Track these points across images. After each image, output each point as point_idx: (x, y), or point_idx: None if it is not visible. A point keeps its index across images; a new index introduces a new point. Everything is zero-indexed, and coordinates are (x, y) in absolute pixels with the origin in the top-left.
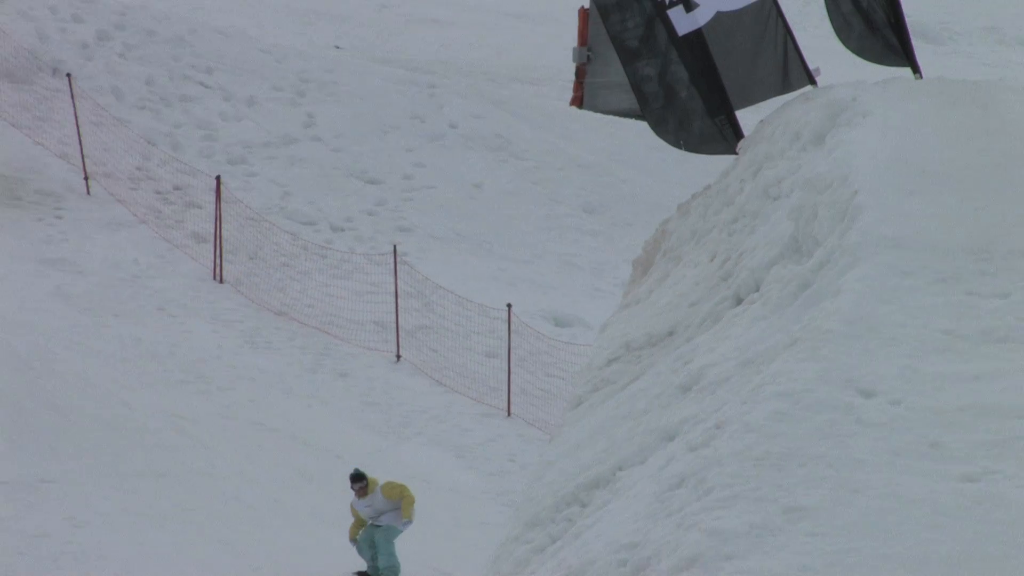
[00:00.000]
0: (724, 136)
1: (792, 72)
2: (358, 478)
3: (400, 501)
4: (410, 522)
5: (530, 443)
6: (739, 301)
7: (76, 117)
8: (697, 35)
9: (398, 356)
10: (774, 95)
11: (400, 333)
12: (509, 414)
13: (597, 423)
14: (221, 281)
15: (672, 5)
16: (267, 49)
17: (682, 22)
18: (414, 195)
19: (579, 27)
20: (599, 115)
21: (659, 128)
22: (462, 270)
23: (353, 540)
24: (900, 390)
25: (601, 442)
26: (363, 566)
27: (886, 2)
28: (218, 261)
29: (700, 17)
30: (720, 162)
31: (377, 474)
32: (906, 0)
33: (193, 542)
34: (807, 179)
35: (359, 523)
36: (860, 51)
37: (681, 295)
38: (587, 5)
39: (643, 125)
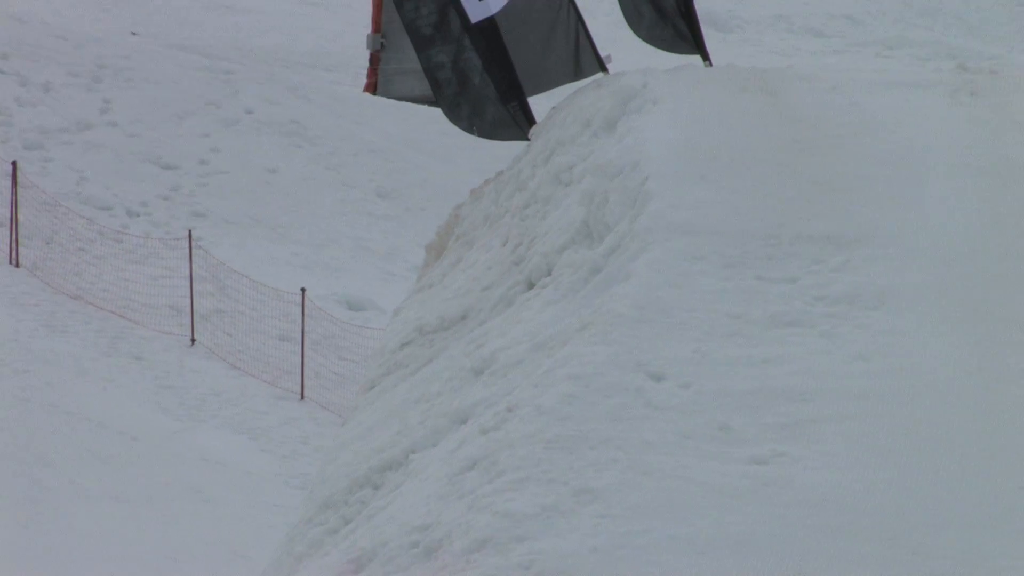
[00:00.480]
0: (517, 122)
1: (584, 59)
2: None
3: None
4: None
5: (323, 426)
6: (531, 285)
7: None
8: (490, 22)
9: (192, 340)
10: (566, 82)
11: (195, 317)
12: (303, 397)
13: (390, 406)
14: (17, 265)
15: None
16: (63, 35)
17: (475, 9)
18: (209, 180)
19: (373, 14)
20: (393, 101)
21: (452, 114)
22: (256, 255)
23: None
24: (690, 374)
25: (394, 425)
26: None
27: None
28: (14, 246)
29: (493, 5)
30: (513, 148)
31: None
32: None
33: None
34: (598, 165)
35: None
36: (650, 39)
37: (474, 279)
38: None
39: (436, 111)
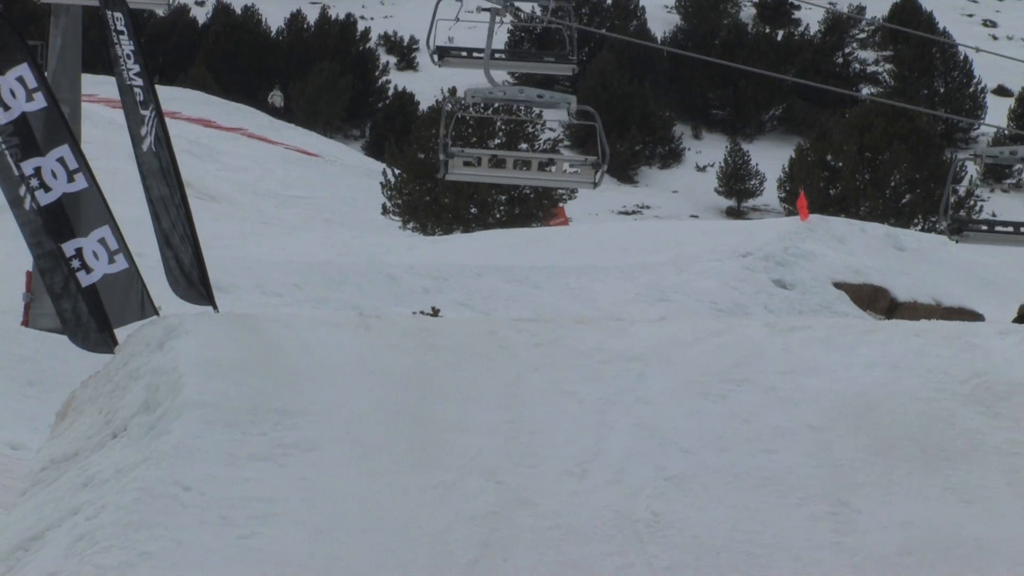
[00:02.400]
0: (106, 343)
1: (146, 305)
2: None
3: None
4: None
5: None
6: (115, 436)
7: None
8: (93, 288)
9: None
10: (138, 320)
11: None
12: None
13: (35, 503)
14: None
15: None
16: None
17: (85, 279)
18: None
19: (27, 282)
20: None
21: (74, 339)
22: None
23: None
24: (206, 486)
25: (40, 513)
26: None
27: (195, 259)
28: None
29: (97, 272)
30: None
31: None
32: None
33: None
34: (153, 368)
35: None
36: (185, 297)
37: (83, 432)
38: None
39: None
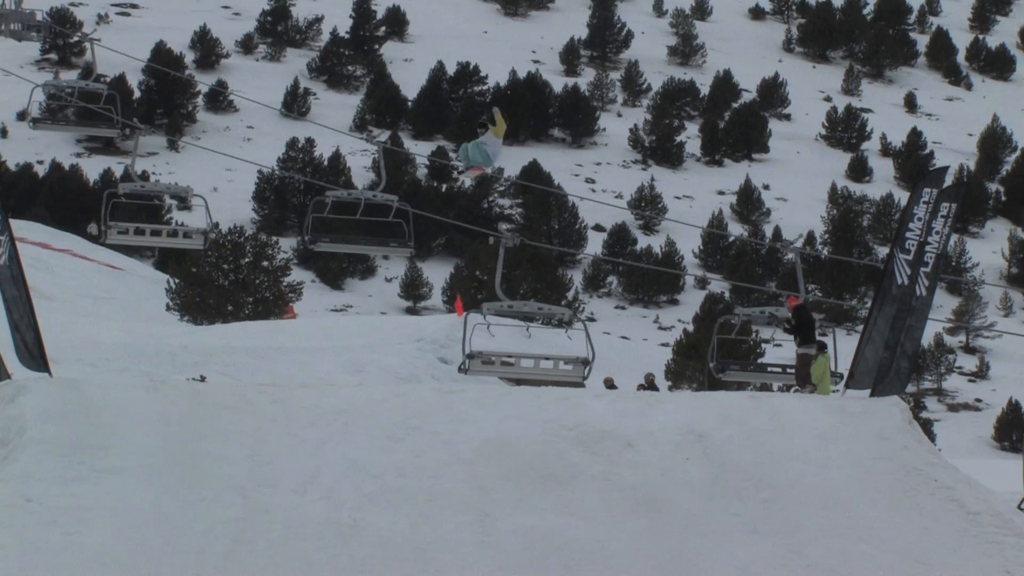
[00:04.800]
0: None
1: (2, 371)
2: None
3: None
4: None
5: None
6: None
7: None
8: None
9: None
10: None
11: None
12: None
13: None
14: None
15: None
16: None
17: None
18: None
19: None
20: None
21: None
22: None
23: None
24: (41, 494)
25: None
26: None
27: (36, 339)
28: None
29: None
30: None
31: None
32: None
33: None
34: (6, 415)
35: None
36: (29, 365)
37: None
38: None
39: None
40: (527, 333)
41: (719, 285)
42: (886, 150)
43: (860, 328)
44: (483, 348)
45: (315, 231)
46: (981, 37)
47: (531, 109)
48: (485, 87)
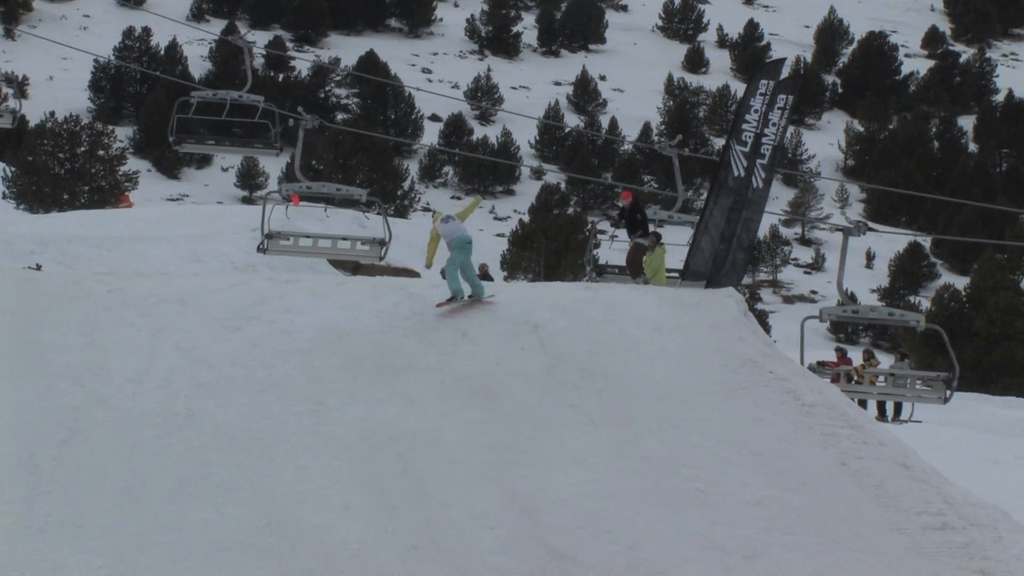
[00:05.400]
0: None
1: None
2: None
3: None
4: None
5: None
6: None
7: None
8: None
9: None
10: None
11: None
12: None
13: None
14: None
15: None
16: None
17: None
18: None
19: None
20: None
21: None
22: None
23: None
24: None
25: None
26: None
27: None
28: None
29: None
30: None
31: None
32: None
33: None
34: None
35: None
36: None
37: None
38: None
39: None
40: (325, 215)
41: (555, 176)
42: (723, 41)
43: (696, 220)
44: (282, 229)
45: (179, 132)
46: None
47: None
48: None
